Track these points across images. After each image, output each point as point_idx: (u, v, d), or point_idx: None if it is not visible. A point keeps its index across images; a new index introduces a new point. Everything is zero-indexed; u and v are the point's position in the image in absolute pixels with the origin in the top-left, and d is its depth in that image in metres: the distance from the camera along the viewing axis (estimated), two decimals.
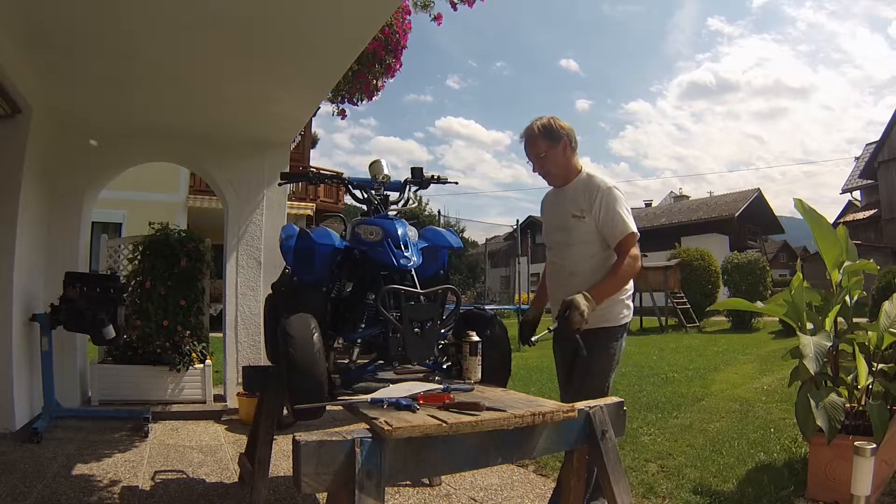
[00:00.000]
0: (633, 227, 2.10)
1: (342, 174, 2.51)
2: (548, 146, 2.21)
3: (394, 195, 2.44)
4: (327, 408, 1.75)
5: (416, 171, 2.55)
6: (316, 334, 1.76)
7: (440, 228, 2.51)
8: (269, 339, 2.68)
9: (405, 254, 2.07)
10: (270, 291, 2.80)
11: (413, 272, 2.09)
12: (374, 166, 2.40)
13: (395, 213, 2.36)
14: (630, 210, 2.16)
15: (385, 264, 2.06)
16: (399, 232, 2.10)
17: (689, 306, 13.45)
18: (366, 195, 2.37)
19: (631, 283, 2.21)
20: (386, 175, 2.39)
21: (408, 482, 2.78)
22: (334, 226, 2.53)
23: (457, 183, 2.94)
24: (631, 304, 2.25)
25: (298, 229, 2.39)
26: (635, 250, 2.10)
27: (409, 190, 2.53)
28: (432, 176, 2.59)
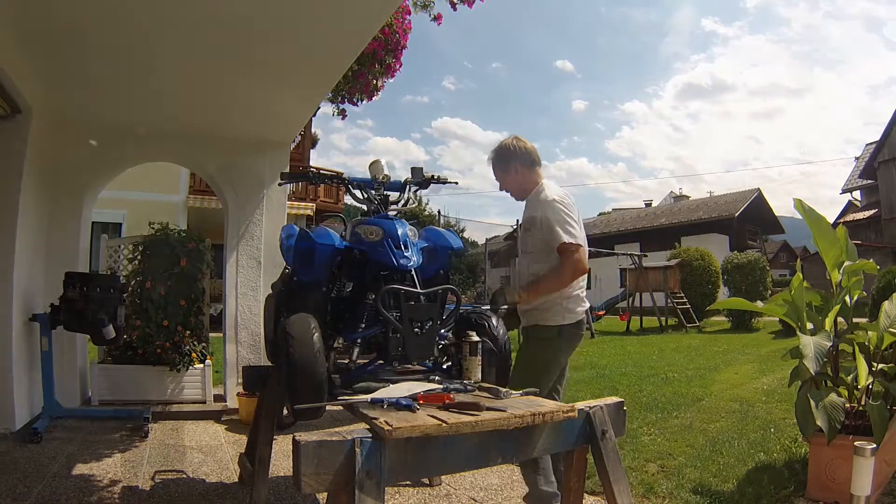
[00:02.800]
0: (566, 237, 2.18)
1: (342, 174, 2.51)
2: (500, 173, 2.44)
3: (394, 195, 2.45)
4: (327, 408, 1.75)
5: (417, 171, 2.55)
6: (316, 334, 1.77)
7: (441, 229, 2.51)
8: (269, 339, 2.68)
9: (405, 254, 2.07)
10: (271, 291, 2.80)
11: (413, 272, 2.09)
12: (374, 166, 2.40)
13: (395, 213, 2.36)
14: (571, 218, 2.24)
15: (385, 264, 2.06)
16: (399, 232, 2.10)
17: (689, 306, 13.46)
18: (366, 195, 2.37)
19: (577, 289, 2.29)
20: (386, 175, 2.40)
21: (408, 482, 2.78)
22: (335, 226, 2.53)
23: (457, 183, 2.95)
24: (574, 308, 2.29)
25: (299, 229, 2.40)
26: (574, 256, 2.19)
27: (410, 190, 2.53)
28: (432, 176, 2.59)
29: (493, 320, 2.27)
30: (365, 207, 2.38)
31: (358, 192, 2.39)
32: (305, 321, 1.80)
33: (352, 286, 2.25)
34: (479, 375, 1.90)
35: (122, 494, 2.70)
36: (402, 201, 2.46)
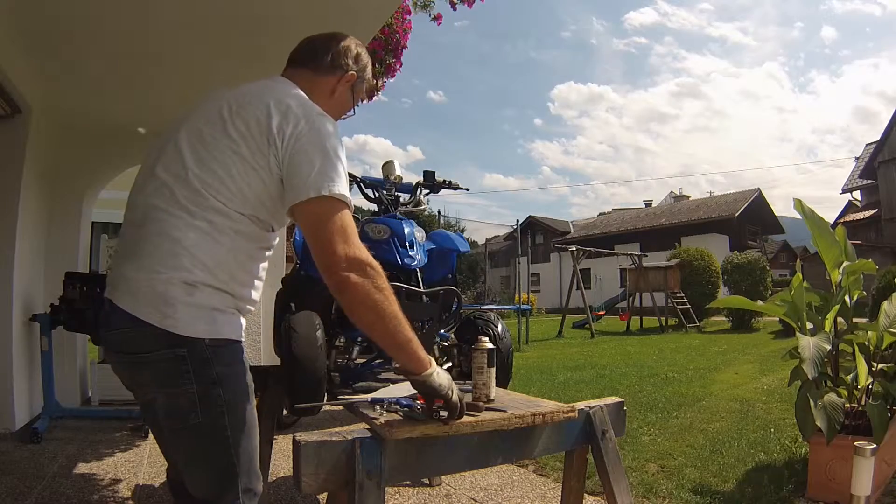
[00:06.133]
0: None
1: (354, 175, 2.52)
2: None
3: (405, 197, 2.47)
4: (327, 407, 1.75)
5: (429, 175, 2.58)
6: (319, 331, 1.78)
7: (449, 232, 2.54)
8: (276, 333, 2.69)
9: (409, 253, 2.08)
10: (281, 286, 2.80)
11: (418, 272, 2.11)
12: (387, 167, 2.43)
13: (403, 213, 2.39)
14: None
15: (390, 262, 2.08)
16: (405, 231, 2.12)
17: (689, 306, 13.47)
18: (377, 195, 2.39)
19: None
20: (398, 176, 2.42)
21: (408, 482, 2.78)
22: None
23: (468, 189, 2.97)
24: None
25: None
26: None
27: (420, 193, 2.56)
28: (443, 180, 2.62)
29: (497, 322, 2.28)
30: (376, 207, 2.41)
31: (370, 192, 2.41)
32: (310, 318, 1.81)
33: None
34: (494, 391, 1.54)
35: (122, 494, 2.70)
36: (412, 203, 2.48)
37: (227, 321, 1.23)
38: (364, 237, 2.19)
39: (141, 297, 1.15)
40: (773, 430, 3.58)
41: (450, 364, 2.18)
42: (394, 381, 1.89)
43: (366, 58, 1.49)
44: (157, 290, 1.14)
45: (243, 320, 1.31)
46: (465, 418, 1.35)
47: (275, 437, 2.63)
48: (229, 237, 1.18)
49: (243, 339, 1.31)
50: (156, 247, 1.15)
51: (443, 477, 2.84)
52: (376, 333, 1.20)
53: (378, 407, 1.41)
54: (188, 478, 1.27)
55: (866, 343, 2.59)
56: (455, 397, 1.26)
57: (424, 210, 2.77)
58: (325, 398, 1.87)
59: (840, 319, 2.75)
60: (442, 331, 2.22)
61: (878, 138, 23.37)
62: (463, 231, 31.14)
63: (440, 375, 1.26)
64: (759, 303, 3.29)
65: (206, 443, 1.21)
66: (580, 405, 1.60)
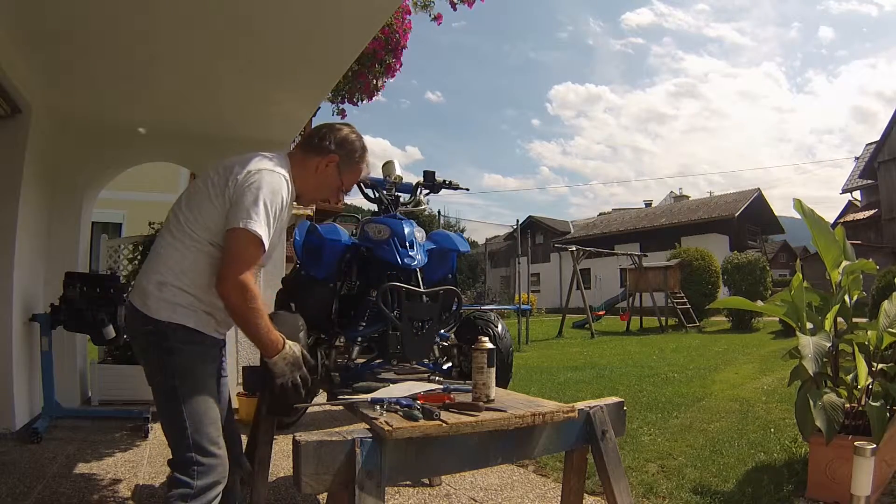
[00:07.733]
0: None
1: None
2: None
3: (405, 197, 2.47)
4: (328, 407, 1.75)
5: (429, 175, 2.58)
6: (301, 332, 1.77)
7: (449, 232, 2.54)
8: None
9: (410, 253, 2.08)
10: (281, 286, 2.80)
11: (418, 272, 2.11)
12: (387, 166, 2.43)
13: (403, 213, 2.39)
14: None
15: (390, 262, 2.08)
16: (406, 231, 2.12)
17: (689, 306, 13.47)
18: (377, 195, 2.39)
19: None
20: (398, 176, 2.42)
21: (408, 482, 2.78)
22: (347, 225, 2.56)
23: (468, 189, 2.97)
24: None
25: (309, 224, 2.42)
26: None
27: (420, 193, 2.56)
28: (444, 181, 2.62)
29: (497, 322, 2.28)
30: (376, 207, 2.41)
31: (370, 192, 2.41)
32: (293, 319, 1.80)
33: (358, 284, 2.26)
34: (494, 391, 1.56)
35: (122, 494, 2.70)
36: (413, 203, 2.48)
37: (188, 314, 1.58)
38: (364, 237, 2.19)
39: (136, 292, 1.63)
40: (773, 430, 3.58)
41: (450, 364, 2.18)
42: (394, 381, 1.89)
43: (357, 145, 1.77)
44: (142, 286, 1.61)
45: (213, 321, 1.63)
46: (465, 418, 1.35)
47: (275, 437, 2.63)
48: (193, 253, 1.59)
49: (209, 332, 1.63)
50: (150, 258, 1.66)
51: (443, 477, 2.84)
52: (242, 330, 1.58)
53: (378, 407, 1.41)
54: (168, 441, 1.58)
55: (866, 343, 2.59)
56: (281, 381, 1.54)
57: (424, 210, 2.77)
58: (326, 398, 1.87)
59: (840, 319, 2.75)
60: (442, 331, 2.22)
61: (877, 138, 23.37)
62: (463, 231, 31.13)
63: (275, 365, 1.55)
64: (759, 303, 3.29)
65: (165, 402, 1.56)
66: (580, 405, 1.61)
